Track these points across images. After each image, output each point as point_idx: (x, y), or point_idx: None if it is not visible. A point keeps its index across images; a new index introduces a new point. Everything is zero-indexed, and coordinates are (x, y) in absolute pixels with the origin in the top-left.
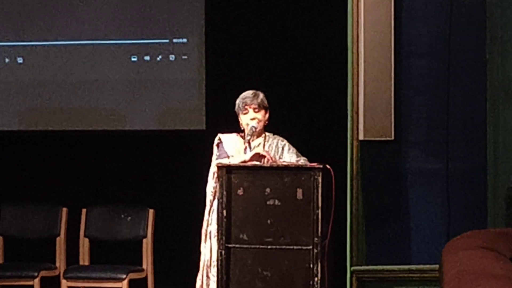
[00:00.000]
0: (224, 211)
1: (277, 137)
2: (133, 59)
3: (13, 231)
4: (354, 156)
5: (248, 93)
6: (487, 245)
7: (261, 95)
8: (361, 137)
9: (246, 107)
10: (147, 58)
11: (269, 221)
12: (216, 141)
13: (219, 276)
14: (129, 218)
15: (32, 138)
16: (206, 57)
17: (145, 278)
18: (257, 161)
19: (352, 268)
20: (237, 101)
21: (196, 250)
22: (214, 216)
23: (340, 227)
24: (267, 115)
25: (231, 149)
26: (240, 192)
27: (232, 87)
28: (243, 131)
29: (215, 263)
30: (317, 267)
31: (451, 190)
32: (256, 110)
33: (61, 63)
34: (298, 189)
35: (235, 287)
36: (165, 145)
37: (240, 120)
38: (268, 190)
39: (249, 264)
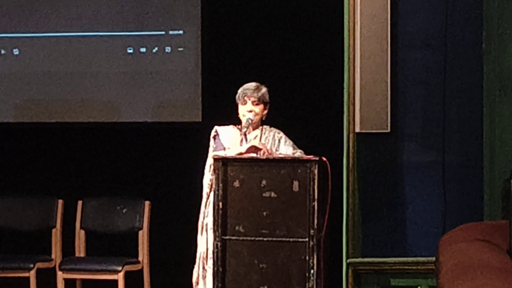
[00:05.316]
0: (220, 203)
1: (274, 130)
2: (129, 51)
3: (9, 223)
4: (350, 148)
5: (251, 85)
6: (483, 238)
7: (264, 90)
8: (357, 130)
9: (245, 98)
10: (143, 50)
11: (265, 213)
12: (212, 133)
13: (215, 268)
14: (125, 210)
15: (27, 130)
16: (202, 49)
17: (141, 270)
18: (253, 153)
19: (348, 260)
20: (239, 91)
21: (192, 242)
22: (210, 208)
23: (336, 219)
24: (266, 110)
25: (228, 141)
26: (236, 184)
27: (229, 79)
28: (240, 123)
29: (212, 255)
30: (313, 259)
31: (447, 183)
32: (255, 103)
33: (57, 55)
34: (294, 181)
35: (231, 279)
36: (161, 137)
37: (238, 110)
38: (264, 182)
39: (245, 256)
